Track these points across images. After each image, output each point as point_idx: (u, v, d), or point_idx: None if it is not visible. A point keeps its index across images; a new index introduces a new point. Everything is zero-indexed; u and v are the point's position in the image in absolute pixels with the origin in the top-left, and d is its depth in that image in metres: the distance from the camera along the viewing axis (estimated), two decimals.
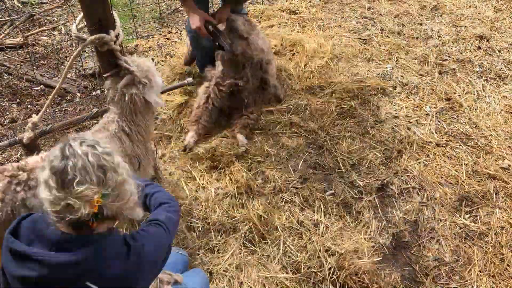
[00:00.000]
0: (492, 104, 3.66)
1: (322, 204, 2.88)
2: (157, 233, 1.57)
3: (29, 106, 3.67)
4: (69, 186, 1.31)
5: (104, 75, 2.23)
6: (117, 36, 2.05)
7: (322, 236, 2.70)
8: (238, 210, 2.83)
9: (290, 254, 2.62)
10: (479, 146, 3.30)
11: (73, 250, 1.33)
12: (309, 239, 2.68)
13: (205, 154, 3.14)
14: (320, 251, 2.61)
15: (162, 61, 4.12)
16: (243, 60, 3.29)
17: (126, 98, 2.22)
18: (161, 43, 4.38)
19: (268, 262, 2.58)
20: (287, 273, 2.52)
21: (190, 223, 2.75)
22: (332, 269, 2.52)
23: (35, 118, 2.17)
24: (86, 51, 4.34)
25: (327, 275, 2.50)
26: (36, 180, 1.95)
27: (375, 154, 3.23)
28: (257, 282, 2.46)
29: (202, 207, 2.83)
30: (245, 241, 2.67)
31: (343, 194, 2.94)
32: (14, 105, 3.67)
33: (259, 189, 2.95)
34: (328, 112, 3.53)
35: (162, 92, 3.06)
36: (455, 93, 3.76)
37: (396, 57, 4.14)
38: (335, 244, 2.65)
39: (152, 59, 2.67)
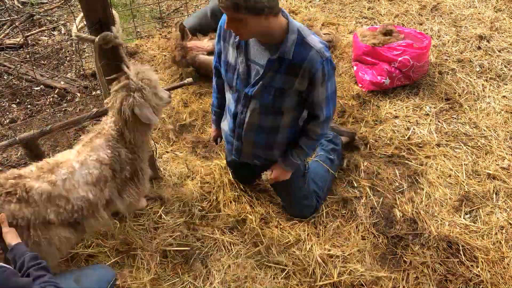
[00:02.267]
0: (492, 104, 3.66)
1: (322, 204, 2.88)
2: None
3: (29, 106, 3.67)
4: None
5: (107, 78, 2.19)
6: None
7: (322, 237, 2.70)
8: (240, 209, 2.83)
9: (290, 255, 2.62)
10: (479, 146, 3.30)
11: None
12: (310, 239, 2.68)
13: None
14: (320, 252, 2.61)
15: (162, 63, 4.12)
16: None
17: (117, 105, 2.14)
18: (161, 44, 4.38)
19: (269, 263, 2.57)
20: (287, 275, 2.52)
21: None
22: (333, 271, 2.52)
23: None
24: (87, 50, 4.34)
25: (327, 276, 2.50)
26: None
27: (374, 154, 3.23)
28: (257, 284, 2.46)
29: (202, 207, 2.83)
30: (245, 242, 2.67)
31: (342, 194, 2.94)
32: (14, 105, 3.67)
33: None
34: None
35: None
36: (455, 93, 3.76)
37: None
38: (334, 245, 2.65)
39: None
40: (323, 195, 2.88)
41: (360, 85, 3.79)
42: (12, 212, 1.90)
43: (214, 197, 2.88)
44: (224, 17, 2.07)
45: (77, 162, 2.09)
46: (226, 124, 2.55)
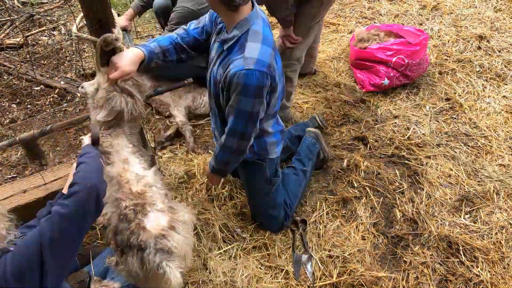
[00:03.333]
0: (492, 104, 3.66)
1: (322, 204, 2.88)
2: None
3: (29, 106, 3.67)
4: None
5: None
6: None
7: (323, 237, 2.70)
8: (239, 216, 2.83)
9: (290, 256, 2.62)
10: (479, 146, 3.30)
11: None
12: (310, 240, 2.68)
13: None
14: (321, 253, 2.61)
15: None
16: None
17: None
18: None
19: (270, 266, 2.57)
20: (287, 275, 2.52)
21: None
22: (333, 271, 2.52)
23: None
24: (87, 50, 4.34)
25: (328, 277, 2.50)
26: None
27: (374, 154, 3.23)
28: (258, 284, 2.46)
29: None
30: (245, 245, 2.67)
31: (342, 194, 2.94)
32: (14, 105, 3.67)
33: None
34: (328, 112, 3.54)
35: (162, 93, 3.06)
36: (455, 93, 3.76)
37: None
38: (335, 246, 2.65)
39: None
40: (291, 213, 2.74)
41: (359, 86, 3.79)
42: None
43: (214, 194, 2.88)
44: None
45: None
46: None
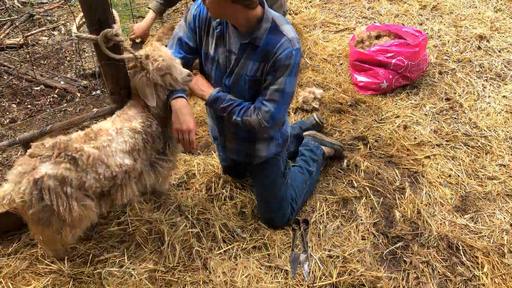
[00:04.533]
0: (492, 104, 3.66)
1: (322, 204, 2.88)
2: None
3: (29, 106, 3.66)
4: None
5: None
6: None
7: (323, 237, 2.70)
8: (239, 216, 2.83)
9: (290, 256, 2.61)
10: (479, 146, 3.30)
11: None
12: (310, 241, 2.68)
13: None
14: (321, 253, 2.61)
15: None
16: None
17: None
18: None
19: (270, 266, 2.57)
20: (287, 275, 2.52)
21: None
22: (333, 271, 2.52)
23: None
24: (87, 50, 4.34)
25: (328, 277, 2.50)
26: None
27: (374, 154, 3.23)
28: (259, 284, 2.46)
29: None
30: (245, 245, 2.67)
31: (342, 194, 2.94)
32: (14, 105, 3.67)
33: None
34: (328, 112, 3.54)
35: None
36: (455, 93, 3.76)
37: None
38: (335, 246, 2.65)
39: None
40: (297, 208, 2.78)
41: (356, 88, 3.79)
42: (62, 173, 1.95)
43: (215, 194, 2.88)
44: (199, 9, 2.12)
45: (114, 130, 2.14)
46: (210, 120, 2.58)
